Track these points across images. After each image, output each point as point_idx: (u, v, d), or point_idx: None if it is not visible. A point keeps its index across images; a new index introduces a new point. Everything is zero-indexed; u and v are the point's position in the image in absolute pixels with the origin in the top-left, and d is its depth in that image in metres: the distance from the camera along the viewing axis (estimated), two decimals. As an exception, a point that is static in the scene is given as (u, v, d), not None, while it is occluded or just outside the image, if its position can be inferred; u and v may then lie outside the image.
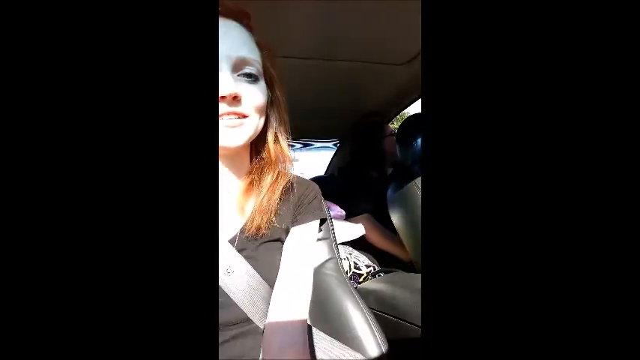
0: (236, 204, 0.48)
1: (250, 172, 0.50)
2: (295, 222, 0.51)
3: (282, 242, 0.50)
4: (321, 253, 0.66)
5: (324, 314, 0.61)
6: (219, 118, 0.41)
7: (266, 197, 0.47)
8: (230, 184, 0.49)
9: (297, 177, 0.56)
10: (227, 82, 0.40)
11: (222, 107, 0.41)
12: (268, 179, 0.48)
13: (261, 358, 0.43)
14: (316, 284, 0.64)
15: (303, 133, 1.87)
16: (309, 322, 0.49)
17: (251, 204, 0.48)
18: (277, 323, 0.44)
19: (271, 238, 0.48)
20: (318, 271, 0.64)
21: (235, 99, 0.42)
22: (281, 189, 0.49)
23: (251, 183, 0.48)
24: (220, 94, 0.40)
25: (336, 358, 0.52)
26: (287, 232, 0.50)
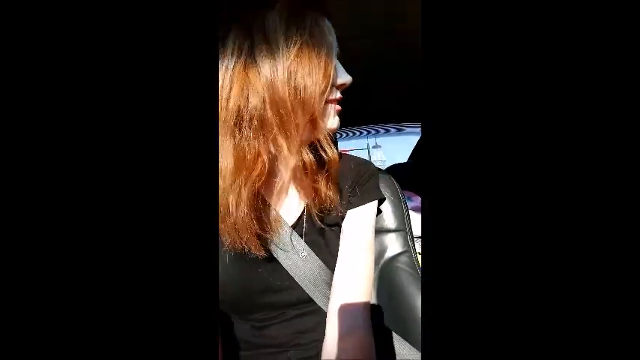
0: (299, 190, 0.48)
1: (303, 159, 0.48)
2: (351, 205, 0.49)
3: (340, 227, 0.49)
4: (394, 244, 0.62)
5: (395, 310, 0.57)
6: (334, 104, 0.44)
7: (323, 182, 0.45)
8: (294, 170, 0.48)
9: (351, 157, 0.54)
10: (344, 71, 0.44)
11: (337, 94, 0.44)
12: (324, 163, 0.47)
13: (325, 342, 0.43)
14: (388, 277, 0.60)
15: (385, 117, 1.78)
16: (379, 317, 0.47)
17: (310, 190, 0.47)
18: (338, 309, 0.43)
19: (331, 223, 0.48)
20: (389, 264, 0.60)
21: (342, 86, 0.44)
22: (336, 172, 0.47)
23: (306, 169, 0.47)
24: (341, 82, 0.43)
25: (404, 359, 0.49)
26: (344, 217, 0.49)
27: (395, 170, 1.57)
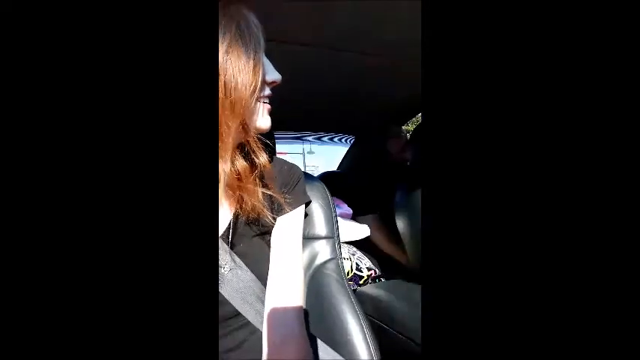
0: (227, 198, 0.45)
1: (233, 163, 0.43)
2: (281, 211, 0.47)
3: (270, 235, 0.48)
4: (324, 251, 0.64)
5: (321, 315, 0.59)
6: (265, 100, 0.42)
7: (252, 188, 0.43)
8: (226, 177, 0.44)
9: (278, 160, 0.53)
10: (274, 69, 0.42)
11: (267, 91, 0.42)
12: (252, 169, 0.44)
13: (264, 354, 0.42)
14: (316, 284, 0.62)
15: (320, 125, 1.84)
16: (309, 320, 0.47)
17: (239, 197, 0.44)
18: (274, 318, 0.43)
19: (260, 232, 0.46)
20: (318, 270, 0.62)
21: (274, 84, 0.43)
22: (264, 177, 0.46)
23: (237, 174, 0.43)
24: (271, 79, 0.41)
25: (327, 362, 0.50)
26: (274, 224, 0.48)
27: (326, 178, 1.62)
